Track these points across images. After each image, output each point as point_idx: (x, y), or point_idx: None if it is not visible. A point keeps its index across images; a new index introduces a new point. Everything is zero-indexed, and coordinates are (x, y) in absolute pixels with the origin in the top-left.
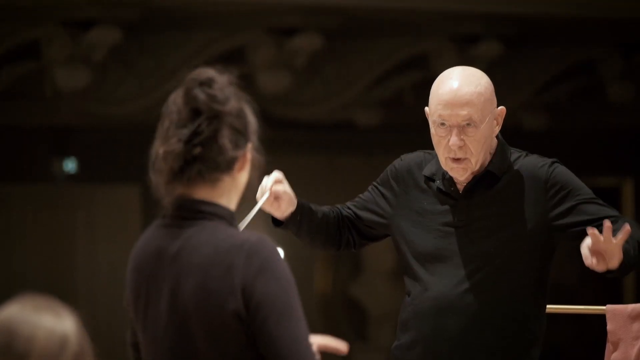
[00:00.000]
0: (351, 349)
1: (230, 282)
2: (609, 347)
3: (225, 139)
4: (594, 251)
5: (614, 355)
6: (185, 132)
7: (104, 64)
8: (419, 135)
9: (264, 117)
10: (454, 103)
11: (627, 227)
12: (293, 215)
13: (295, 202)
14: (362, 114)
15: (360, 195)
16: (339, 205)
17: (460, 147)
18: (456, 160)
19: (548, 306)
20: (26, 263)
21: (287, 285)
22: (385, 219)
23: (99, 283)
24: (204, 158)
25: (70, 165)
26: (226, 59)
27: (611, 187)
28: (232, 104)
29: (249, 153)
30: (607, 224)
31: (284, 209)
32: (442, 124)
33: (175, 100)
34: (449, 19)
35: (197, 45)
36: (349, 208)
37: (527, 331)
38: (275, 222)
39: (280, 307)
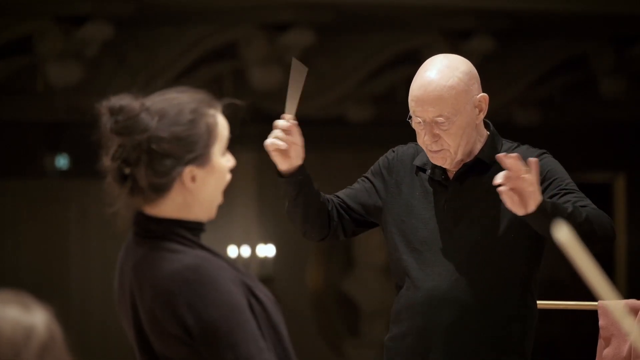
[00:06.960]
0: (344, 344)
1: (171, 311)
2: (601, 342)
3: (142, 166)
4: (512, 188)
5: (606, 351)
6: (109, 151)
7: (97, 59)
8: (411, 130)
9: (256, 112)
10: (423, 100)
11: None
12: (298, 170)
13: (302, 158)
14: (355, 109)
15: (350, 186)
16: (329, 195)
17: (435, 141)
18: (434, 151)
19: (540, 302)
20: (20, 257)
21: (228, 312)
22: (376, 209)
23: (91, 276)
24: (133, 178)
25: (62, 160)
26: (219, 54)
27: (604, 183)
28: (151, 131)
29: (191, 173)
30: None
31: (293, 161)
32: (418, 118)
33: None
34: (441, 14)
35: (189, 41)
36: (339, 197)
37: (519, 321)
38: (279, 175)
39: (222, 335)
